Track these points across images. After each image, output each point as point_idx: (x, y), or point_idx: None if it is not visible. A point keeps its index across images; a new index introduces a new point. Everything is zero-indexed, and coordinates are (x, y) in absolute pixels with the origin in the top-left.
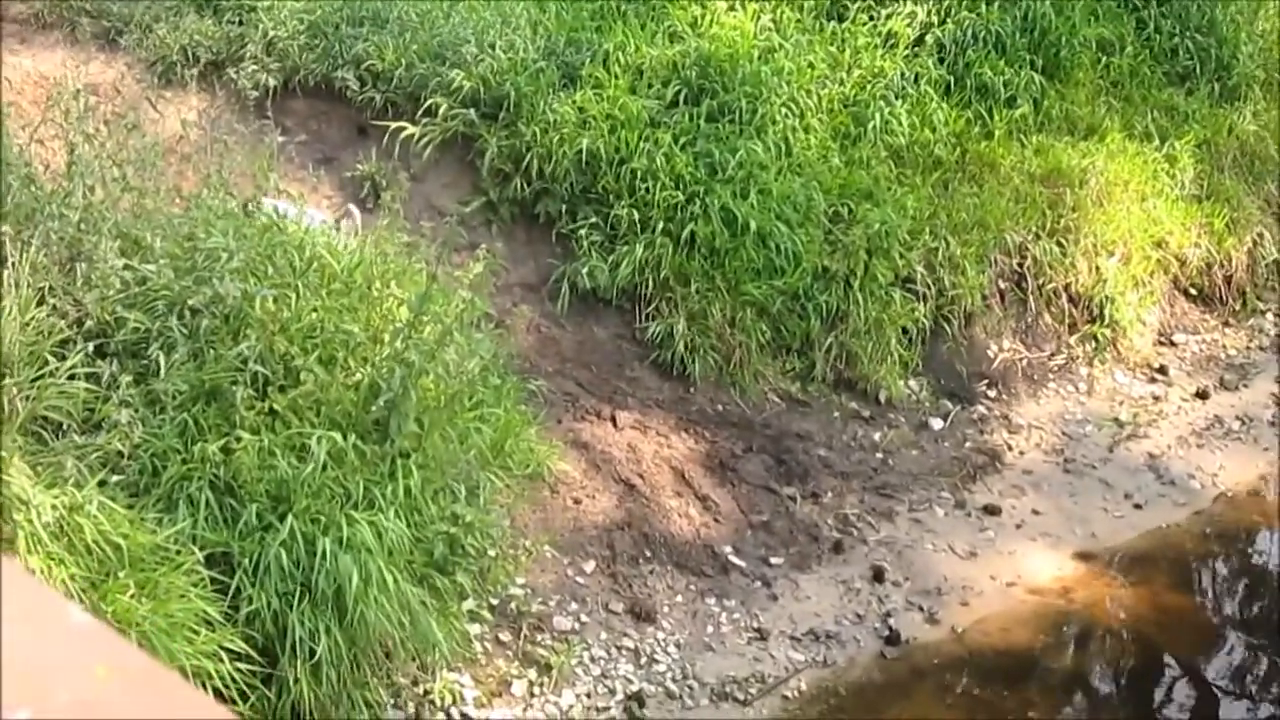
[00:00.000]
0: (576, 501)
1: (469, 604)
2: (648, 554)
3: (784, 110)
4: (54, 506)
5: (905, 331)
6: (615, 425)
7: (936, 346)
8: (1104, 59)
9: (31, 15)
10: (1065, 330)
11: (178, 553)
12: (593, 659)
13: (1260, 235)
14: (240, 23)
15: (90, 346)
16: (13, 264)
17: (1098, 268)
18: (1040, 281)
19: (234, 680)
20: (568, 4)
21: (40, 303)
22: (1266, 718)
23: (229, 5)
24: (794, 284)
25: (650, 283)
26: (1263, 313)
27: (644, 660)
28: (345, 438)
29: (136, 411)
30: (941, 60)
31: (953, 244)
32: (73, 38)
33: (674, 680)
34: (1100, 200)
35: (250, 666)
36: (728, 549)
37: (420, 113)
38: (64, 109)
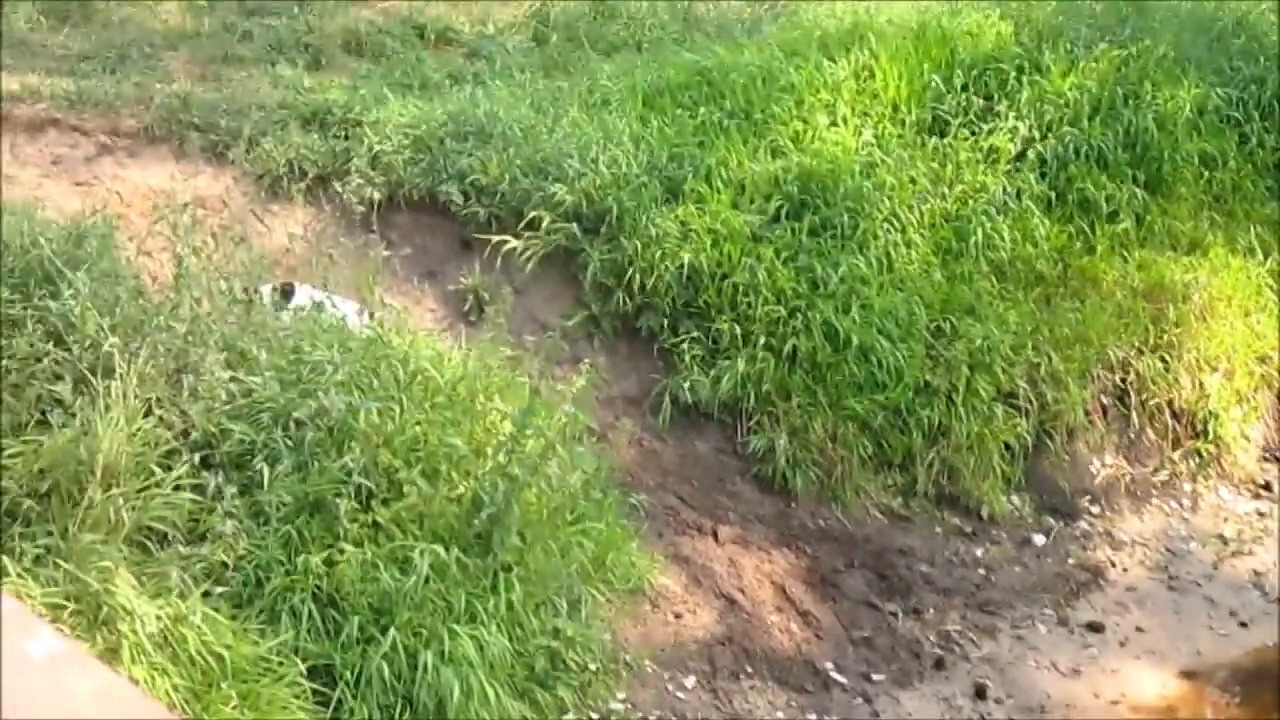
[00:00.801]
0: (677, 616)
1: (569, 719)
2: (749, 669)
3: (886, 225)
4: (158, 617)
5: (1007, 447)
6: (716, 540)
7: (1039, 462)
8: (1206, 173)
9: (140, 129)
10: (1168, 446)
11: (280, 664)
12: None
13: None
14: (346, 137)
15: (196, 458)
16: (120, 375)
17: (1201, 383)
18: (1143, 397)
19: None
20: (670, 119)
21: (147, 414)
22: None
23: (335, 120)
24: (896, 399)
25: (752, 397)
26: None
27: None
28: (448, 551)
29: (241, 523)
30: (1043, 175)
31: (1055, 359)
32: (181, 151)
33: None
34: (1204, 315)
35: None
36: (829, 665)
37: (523, 226)
38: (171, 222)
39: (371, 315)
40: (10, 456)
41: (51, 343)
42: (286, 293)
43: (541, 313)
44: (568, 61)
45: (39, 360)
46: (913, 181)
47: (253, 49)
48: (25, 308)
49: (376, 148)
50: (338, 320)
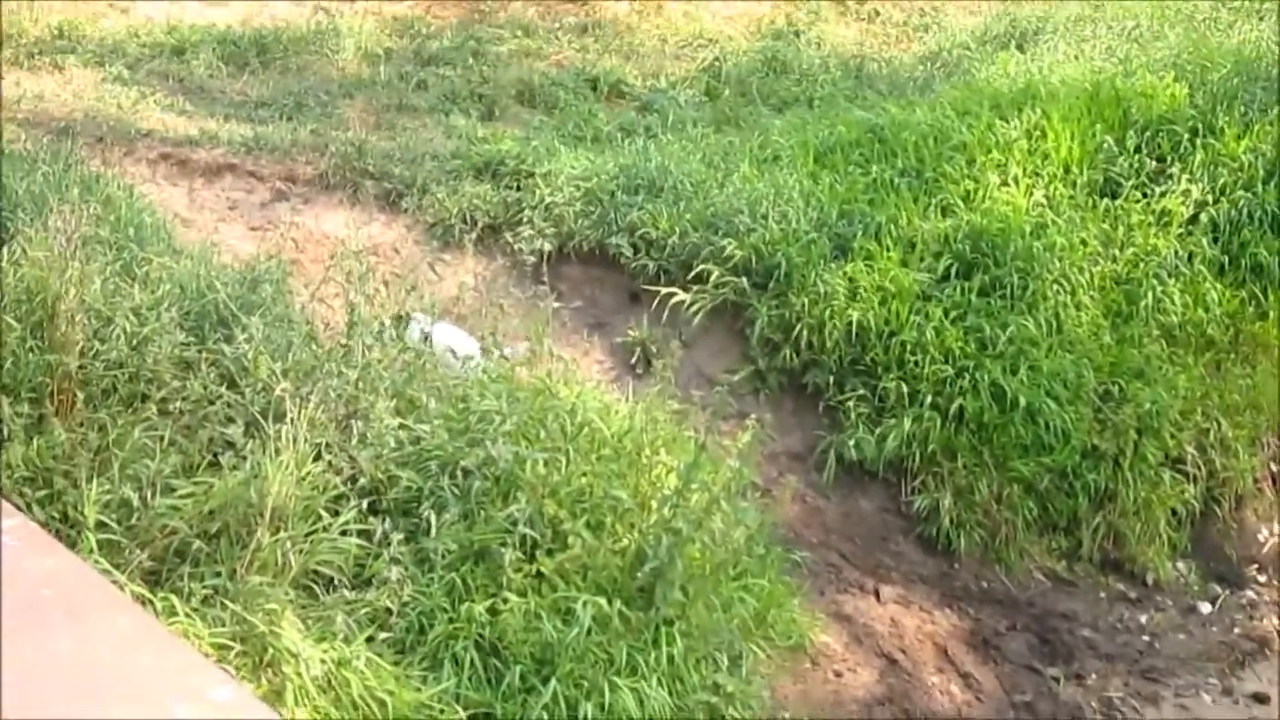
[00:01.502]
0: (838, 675)
1: None
2: None
3: (1055, 286)
4: (323, 660)
5: (1174, 512)
6: (878, 599)
7: (1206, 529)
8: None
9: (316, 176)
10: None
11: (442, 711)
12: None
13: None
14: (518, 188)
15: (364, 503)
16: (291, 420)
17: None
18: None
19: None
20: (841, 176)
21: (316, 458)
22: None
23: (507, 171)
24: (1062, 461)
25: (917, 456)
26: None
27: None
28: (610, 603)
29: (406, 569)
30: (1215, 239)
31: (1224, 425)
32: (355, 199)
33: None
34: None
35: None
36: None
37: (691, 280)
38: (345, 269)
39: (491, 352)
40: (181, 497)
41: (224, 385)
42: (401, 320)
43: (708, 367)
44: (739, 116)
45: (212, 403)
46: (1083, 243)
47: (427, 99)
48: (200, 350)
49: (548, 199)
50: (492, 367)
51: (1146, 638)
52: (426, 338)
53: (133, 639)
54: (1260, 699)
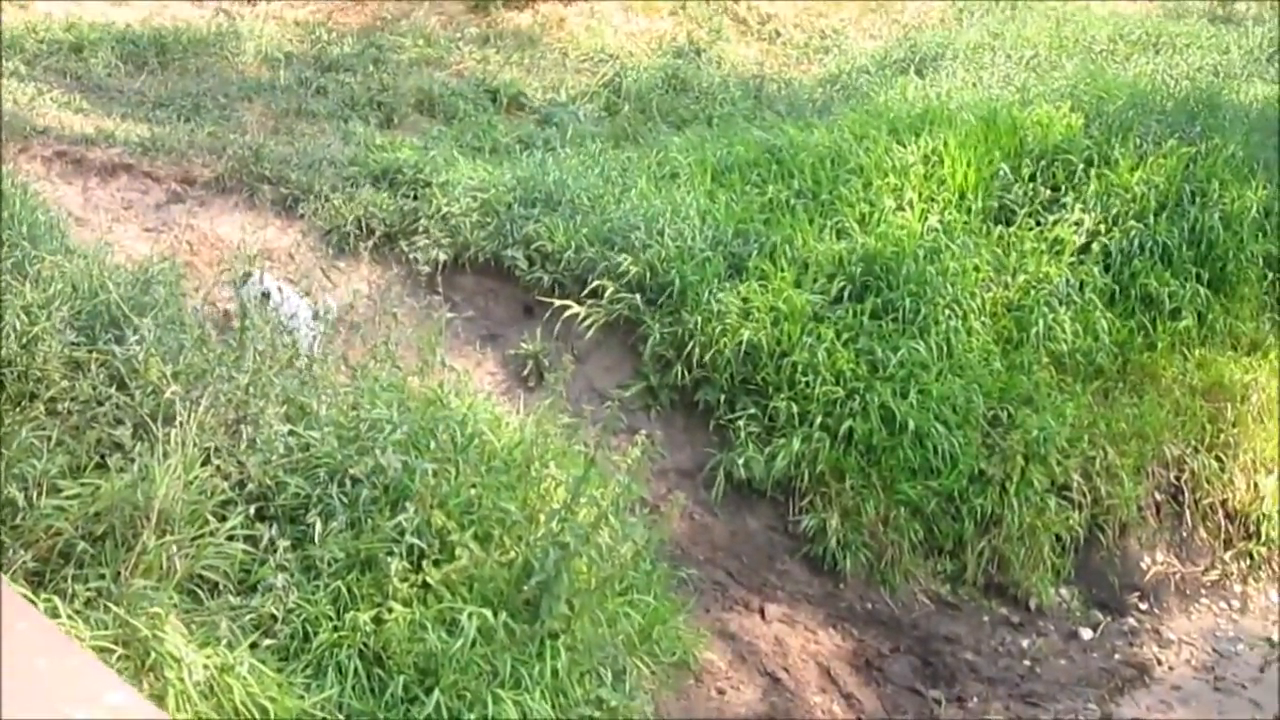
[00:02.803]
0: (720, 692)
1: None
2: None
3: (947, 311)
4: (205, 666)
5: (1058, 539)
6: (763, 617)
7: (1089, 556)
8: (1270, 275)
9: (213, 179)
10: (1220, 546)
11: None
12: None
13: None
14: (415, 197)
15: (251, 509)
16: (180, 423)
17: (1256, 484)
18: (1197, 495)
19: None
20: (738, 196)
21: (205, 463)
22: None
23: (404, 179)
24: (949, 485)
25: (805, 476)
26: None
27: None
28: (496, 615)
29: (292, 576)
30: (1107, 269)
31: (1110, 453)
32: (251, 203)
33: None
34: (1261, 416)
35: None
36: None
37: (586, 294)
38: (239, 273)
39: (318, 316)
40: (67, 498)
41: (114, 386)
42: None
43: (600, 381)
44: (638, 132)
45: (101, 404)
46: (976, 269)
47: (326, 104)
48: (90, 350)
49: (444, 209)
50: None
51: (1028, 662)
52: (266, 294)
53: (30, 642)
54: None
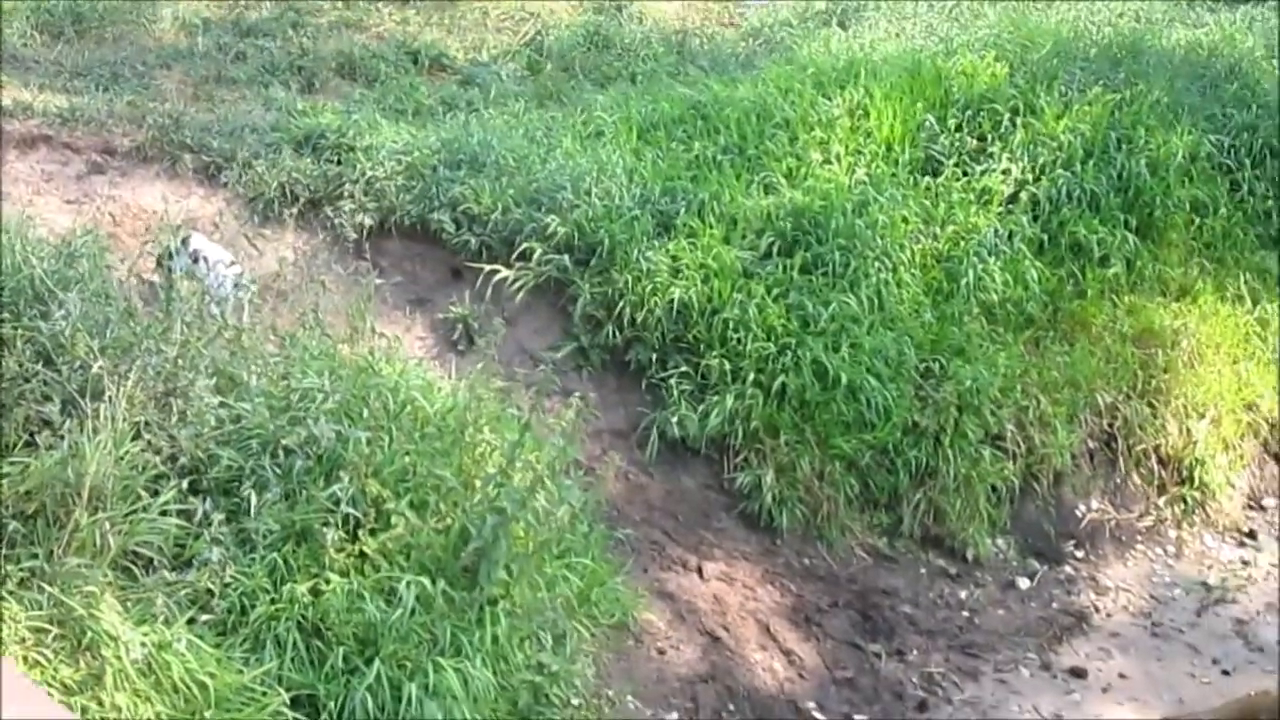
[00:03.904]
0: (661, 652)
1: None
2: (731, 708)
3: (877, 264)
4: (143, 643)
5: (994, 489)
6: (701, 576)
7: (1025, 505)
8: (1198, 220)
9: (133, 148)
10: (1154, 492)
11: (264, 694)
12: None
13: None
14: (338, 162)
15: (184, 483)
16: (109, 398)
17: (1188, 429)
18: (1130, 442)
19: None
20: (664, 153)
21: (135, 437)
22: None
23: (327, 144)
24: (883, 439)
25: (740, 433)
26: None
27: None
28: (434, 583)
29: (227, 550)
30: (1035, 218)
31: (1043, 402)
32: (173, 172)
33: None
34: (1191, 362)
35: None
36: (811, 705)
37: (514, 257)
38: (163, 244)
39: (239, 285)
40: None
41: (41, 363)
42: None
43: (530, 343)
44: (561, 91)
45: (27, 380)
46: (905, 221)
47: (246, 70)
48: (15, 327)
49: (369, 173)
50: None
51: (966, 613)
52: (196, 256)
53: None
54: (1077, 673)
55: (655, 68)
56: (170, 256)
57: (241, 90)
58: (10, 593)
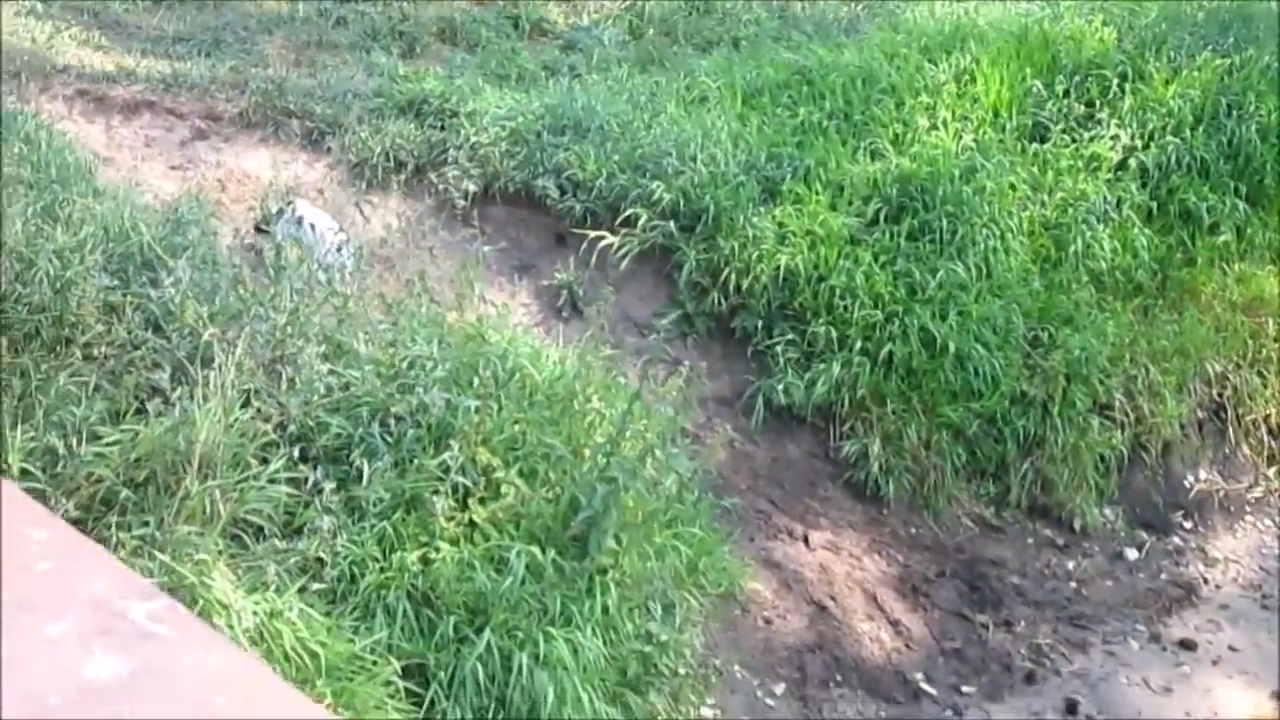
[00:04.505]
0: (768, 622)
1: None
2: (838, 678)
3: (985, 231)
4: (254, 612)
5: (1102, 459)
6: (808, 545)
7: (1133, 475)
8: None
9: (237, 114)
10: (1264, 462)
11: (374, 663)
12: None
13: None
14: (442, 128)
15: (294, 451)
16: (218, 365)
17: None
18: (1240, 412)
19: None
20: (769, 119)
21: (245, 405)
22: None
23: (431, 110)
24: (991, 407)
25: (846, 401)
26: None
27: None
28: (544, 552)
29: (337, 518)
30: (1144, 185)
31: (1152, 372)
32: (277, 137)
33: None
34: None
35: None
36: (919, 675)
37: (619, 223)
38: (265, 209)
39: (344, 247)
40: (108, 444)
41: (150, 330)
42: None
43: (635, 311)
44: (664, 56)
45: (137, 348)
46: (1012, 188)
47: (347, 35)
48: (125, 294)
49: (473, 139)
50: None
51: (1074, 584)
52: (300, 221)
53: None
54: (1187, 645)
55: (758, 32)
56: (269, 222)
57: (343, 55)
58: (122, 560)
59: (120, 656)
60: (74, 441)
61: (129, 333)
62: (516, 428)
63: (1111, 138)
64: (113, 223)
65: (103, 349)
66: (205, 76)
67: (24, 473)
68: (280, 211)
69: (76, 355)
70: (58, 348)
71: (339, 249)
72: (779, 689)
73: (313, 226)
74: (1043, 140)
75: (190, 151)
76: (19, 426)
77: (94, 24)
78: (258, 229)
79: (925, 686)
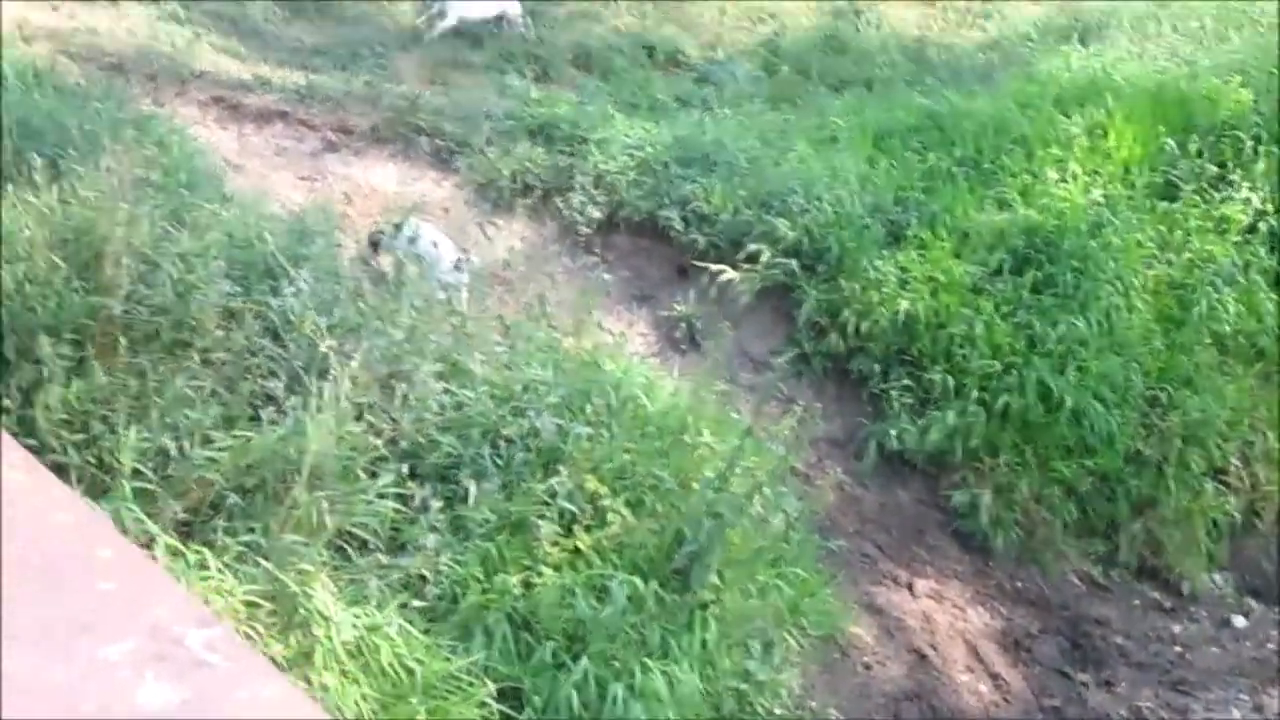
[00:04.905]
0: (867, 667)
1: None
2: None
3: (1109, 287)
4: (354, 625)
5: (1214, 524)
6: (912, 592)
7: (1245, 542)
8: None
9: (368, 128)
10: None
11: (470, 683)
12: None
13: None
14: (571, 154)
15: (403, 467)
16: (334, 377)
17: None
18: None
19: None
20: (898, 162)
21: (358, 418)
22: None
23: (561, 135)
24: (1105, 465)
25: (959, 450)
26: None
27: None
28: (646, 583)
29: (442, 536)
30: (1273, 249)
31: (1270, 438)
32: (406, 154)
33: None
34: None
35: None
36: None
37: (741, 258)
38: (382, 225)
39: (461, 265)
40: (219, 449)
41: (269, 338)
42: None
43: (752, 347)
44: (796, 94)
45: (255, 355)
46: (1139, 245)
47: (483, 56)
48: (246, 301)
49: (601, 167)
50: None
51: (1179, 649)
52: (414, 239)
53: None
54: None
55: (892, 75)
56: (384, 235)
57: (477, 76)
58: (226, 565)
59: (173, 685)
60: (186, 444)
61: (247, 340)
62: (626, 457)
63: (1243, 200)
64: (238, 230)
65: (220, 354)
66: (339, 89)
67: (135, 472)
68: (398, 227)
69: (194, 359)
70: (176, 350)
71: (457, 266)
72: None
73: (435, 244)
74: (1172, 199)
75: (319, 163)
76: (133, 426)
77: (233, 31)
78: (372, 243)
79: None
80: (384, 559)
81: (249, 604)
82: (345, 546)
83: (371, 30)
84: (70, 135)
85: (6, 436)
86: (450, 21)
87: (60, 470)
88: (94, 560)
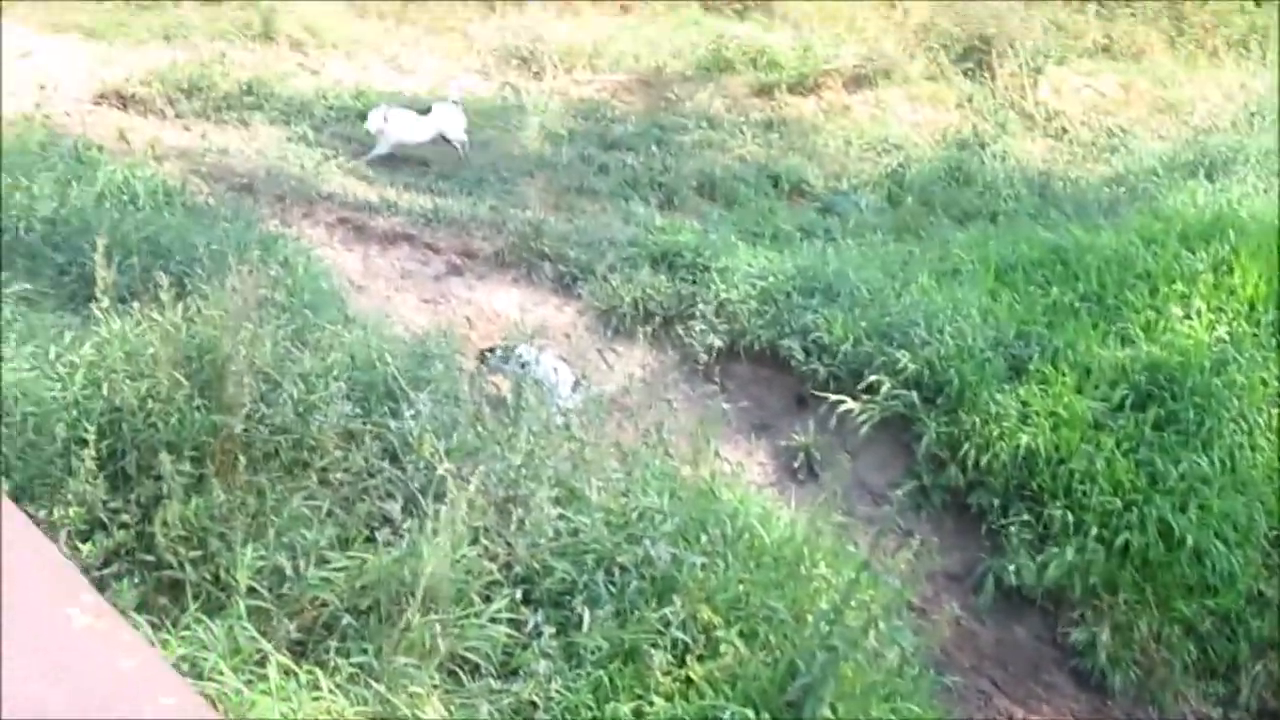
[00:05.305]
0: None
1: None
2: None
3: (1232, 425)
4: None
5: None
6: None
7: None
8: None
9: (492, 253)
10: None
11: None
12: None
13: None
14: (693, 282)
15: (517, 592)
16: (450, 500)
17: None
18: None
19: None
20: (1021, 296)
21: (473, 542)
22: None
23: (684, 263)
24: (1226, 605)
25: (1077, 587)
26: None
27: None
28: (758, 715)
29: (554, 663)
30: None
31: None
32: (529, 279)
33: None
34: None
35: None
36: None
37: (861, 388)
38: (504, 347)
39: (578, 386)
40: (335, 569)
41: (387, 460)
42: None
43: (871, 479)
44: (920, 225)
45: (373, 476)
46: (1264, 383)
47: (607, 183)
48: (365, 422)
49: (723, 295)
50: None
51: None
52: (525, 365)
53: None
54: None
55: (1016, 208)
56: (491, 355)
57: (602, 202)
58: (338, 685)
59: None
60: (302, 564)
61: (366, 461)
62: (741, 587)
63: None
64: (360, 351)
65: (339, 475)
66: (465, 213)
67: (251, 590)
68: (509, 349)
69: (312, 479)
70: (295, 470)
71: (574, 388)
72: None
73: (554, 369)
74: None
75: (443, 286)
76: (250, 544)
77: (361, 154)
78: (481, 359)
79: None
80: (495, 684)
81: None
82: (457, 670)
83: (498, 155)
84: (197, 254)
85: (79, 577)
86: (382, 150)
87: (176, 586)
88: (157, 707)
